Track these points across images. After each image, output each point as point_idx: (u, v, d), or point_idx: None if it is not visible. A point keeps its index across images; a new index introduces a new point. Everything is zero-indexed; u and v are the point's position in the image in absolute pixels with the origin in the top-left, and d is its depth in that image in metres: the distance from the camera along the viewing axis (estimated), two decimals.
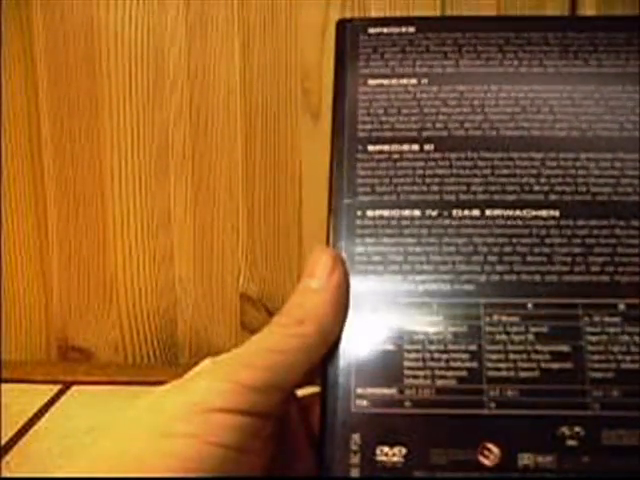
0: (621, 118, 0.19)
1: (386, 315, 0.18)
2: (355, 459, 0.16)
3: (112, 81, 0.41)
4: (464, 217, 0.18)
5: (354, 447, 0.17)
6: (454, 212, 0.18)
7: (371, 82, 0.20)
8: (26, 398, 0.39)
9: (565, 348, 0.17)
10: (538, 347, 0.17)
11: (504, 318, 0.17)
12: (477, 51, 0.20)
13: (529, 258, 0.18)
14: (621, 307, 0.17)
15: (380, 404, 0.17)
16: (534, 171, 0.19)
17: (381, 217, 0.19)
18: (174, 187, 0.42)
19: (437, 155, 0.19)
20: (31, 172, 0.43)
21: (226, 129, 0.42)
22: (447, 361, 0.17)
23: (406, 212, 0.19)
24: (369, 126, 0.20)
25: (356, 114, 0.20)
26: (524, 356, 0.17)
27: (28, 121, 0.42)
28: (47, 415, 0.37)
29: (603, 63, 0.20)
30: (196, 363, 0.17)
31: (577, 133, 0.19)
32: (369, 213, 0.19)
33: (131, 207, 0.43)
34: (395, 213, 0.19)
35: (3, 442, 0.34)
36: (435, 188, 0.19)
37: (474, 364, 0.17)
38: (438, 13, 0.39)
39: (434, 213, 0.19)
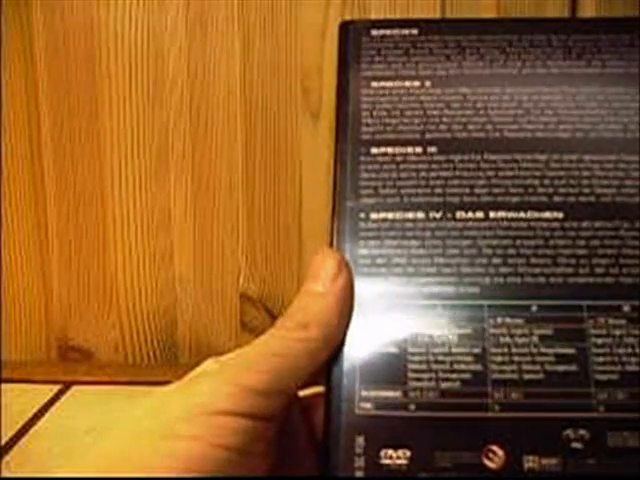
0: (625, 119, 0.19)
1: (390, 318, 0.18)
2: (360, 462, 0.16)
3: (112, 81, 0.41)
4: (468, 219, 0.18)
5: (358, 450, 0.16)
6: (458, 214, 0.18)
7: (374, 84, 0.20)
8: (26, 398, 0.39)
9: (570, 350, 0.17)
10: (542, 349, 0.17)
11: (508, 320, 0.17)
12: (480, 53, 0.20)
13: (533, 260, 0.18)
14: (626, 309, 0.17)
15: (384, 407, 0.17)
16: (538, 173, 0.19)
17: (385, 219, 0.19)
18: (174, 187, 0.42)
19: (440, 157, 0.19)
20: (31, 172, 0.42)
21: (226, 129, 0.42)
22: (451, 364, 0.17)
23: (410, 214, 0.19)
24: (372, 128, 0.20)
25: (359, 116, 0.20)
26: (528, 358, 0.17)
27: (28, 121, 0.42)
28: (47, 415, 0.37)
29: (606, 64, 0.20)
30: (196, 363, 0.17)
31: (581, 135, 0.19)
32: (373, 216, 0.19)
33: (131, 207, 0.42)
34: (399, 215, 0.19)
35: (3, 442, 0.34)
36: (439, 190, 0.19)
37: (478, 367, 0.17)
38: (438, 14, 0.38)
39: (438, 215, 0.18)
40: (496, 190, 0.19)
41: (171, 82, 0.41)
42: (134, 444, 0.14)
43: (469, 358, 0.17)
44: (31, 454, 0.33)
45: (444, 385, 0.17)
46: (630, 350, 0.17)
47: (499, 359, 0.17)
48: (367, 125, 0.20)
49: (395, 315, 0.18)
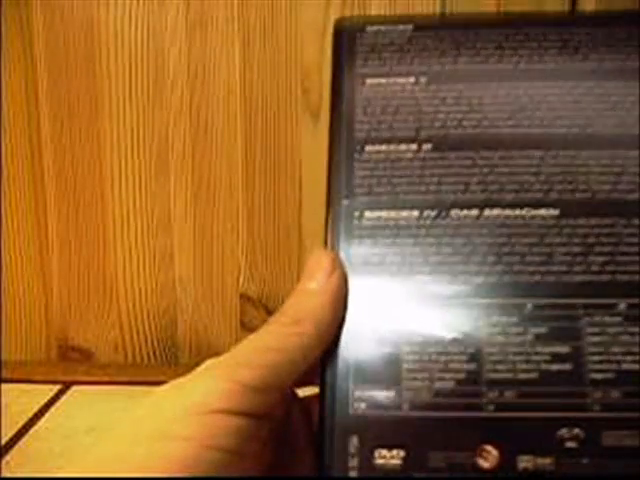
0: (622, 114, 0.19)
1: (384, 317, 0.18)
2: (353, 462, 0.16)
3: (112, 81, 0.41)
4: (462, 217, 0.18)
5: (352, 450, 0.16)
6: (452, 212, 0.18)
7: (369, 81, 0.20)
8: (26, 398, 0.39)
9: (565, 349, 0.17)
10: (537, 348, 0.17)
11: (503, 319, 0.17)
12: (476, 48, 0.20)
13: (528, 258, 0.18)
14: (622, 307, 0.17)
15: (378, 407, 0.17)
16: (533, 169, 0.19)
17: (379, 218, 0.18)
18: (174, 187, 0.42)
19: (435, 155, 0.19)
20: (31, 172, 0.43)
21: (226, 129, 0.42)
22: (446, 363, 0.17)
23: (404, 213, 0.18)
24: (367, 126, 0.19)
25: (354, 114, 0.20)
26: (523, 357, 0.17)
27: (28, 121, 0.42)
28: (47, 415, 0.37)
29: (603, 59, 0.20)
30: (196, 363, 0.17)
31: (577, 130, 0.19)
32: (367, 214, 0.19)
33: (131, 207, 0.43)
34: (393, 214, 0.18)
35: (3, 442, 0.34)
36: (433, 188, 0.19)
37: (473, 366, 0.17)
38: (438, 11, 0.38)
39: (432, 214, 0.18)
40: (491, 187, 0.18)
41: (171, 82, 0.41)
42: (130, 446, 0.14)
43: (463, 357, 0.17)
44: (31, 454, 0.33)
45: (438, 385, 0.17)
46: (626, 349, 0.17)
47: (493, 358, 0.17)
48: (361, 123, 0.20)
49: (389, 314, 0.18)
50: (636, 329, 0.17)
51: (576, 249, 0.18)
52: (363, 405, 0.17)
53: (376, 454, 0.16)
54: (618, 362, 0.17)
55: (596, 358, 0.17)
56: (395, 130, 0.19)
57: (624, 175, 0.18)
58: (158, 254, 0.43)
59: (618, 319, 0.17)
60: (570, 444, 0.16)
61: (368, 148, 0.19)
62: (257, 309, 0.43)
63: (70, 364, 0.43)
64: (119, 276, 0.43)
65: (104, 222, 0.43)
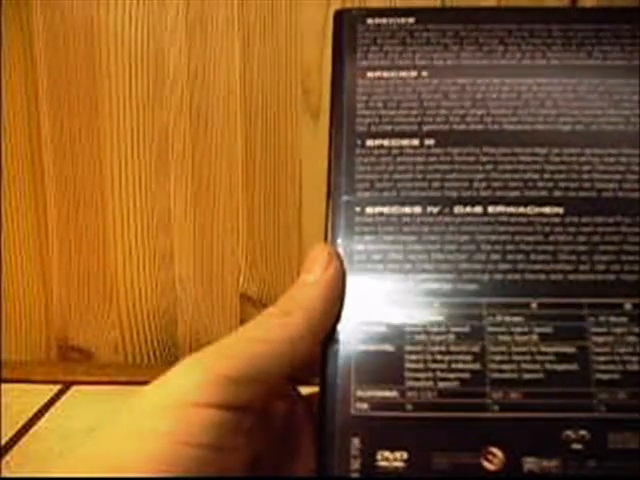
0: (626, 112, 0.19)
1: (386, 315, 0.17)
2: (355, 464, 0.16)
3: (112, 81, 0.41)
4: (466, 214, 0.18)
5: (354, 452, 0.16)
6: (456, 209, 0.18)
7: (370, 75, 0.20)
8: (26, 398, 0.39)
9: (570, 349, 0.17)
10: (542, 348, 0.17)
11: (507, 318, 0.17)
12: (479, 43, 0.20)
13: (533, 256, 0.18)
14: (627, 307, 0.17)
15: (380, 407, 0.16)
16: (537, 167, 0.18)
17: (381, 214, 0.18)
18: (174, 187, 0.42)
19: (438, 150, 0.19)
20: (31, 172, 0.42)
21: (226, 129, 0.41)
22: (449, 363, 0.17)
23: (406, 209, 0.18)
24: (368, 120, 0.19)
25: (354, 108, 0.19)
26: (528, 357, 0.17)
27: (28, 121, 0.42)
28: (47, 415, 0.37)
29: (608, 55, 0.19)
30: None
31: (581, 127, 0.19)
32: (368, 210, 0.18)
33: (131, 207, 0.42)
34: (395, 210, 0.18)
35: (3, 442, 0.34)
36: (436, 184, 0.18)
37: (477, 366, 0.17)
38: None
39: (435, 210, 0.18)
40: (495, 184, 0.18)
41: (171, 82, 0.41)
42: (111, 445, 0.14)
43: (467, 357, 0.17)
44: (31, 454, 0.33)
45: (442, 385, 0.17)
46: (631, 349, 0.16)
47: (498, 358, 0.17)
48: (362, 117, 0.19)
49: (391, 312, 0.17)
50: None
51: (581, 248, 0.18)
52: (365, 405, 0.17)
53: (378, 456, 0.16)
54: (624, 362, 0.16)
55: (602, 358, 0.16)
56: (397, 125, 0.19)
57: (629, 173, 0.18)
58: (158, 254, 0.43)
59: (624, 319, 0.17)
60: (576, 446, 0.16)
61: (369, 143, 0.19)
62: (257, 309, 0.43)
63: (70, 364, 0.43)
64: (119, 276, 0.43)
65: (104, 222, 0.42)
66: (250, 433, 0.16)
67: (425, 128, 0.19)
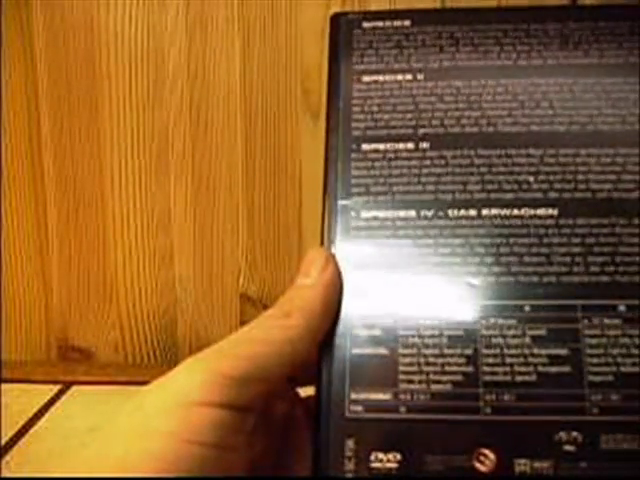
0: (623, 111, 0.19)
1: (380, 318, 0.17)
2: (350, 465, 0.16)
3: (112, 81, 0.41)
4: (460, 217, 0.18)
5: (348, 453, 0.16)
6: (450, 212, 0.18)
7: (365, 78, 0.20)
8: (26, 398, 0.39)
9: (563, 351, 0.17)
10: (535, 350, 0.17)
11: (500, 321, 0.17)
12: (474, 44, 0.20)
13: (527, 259, 0.18)
14: (621, 308, 0.17)
15: (375, 409, 0.17)
16: (532, 168, 0.18)
17: (376, 218, 0.18)
18: (174, 187, 0.42)
19: (433, 153, 0.19)
20: (31, 172, 0.43)
21: (226, 129, 0.41)
22: (442, 365, 0.17)
23: (401, 213, 0.18)
24: (363, 124, 0.19)
25: (350, 112, 0.19)
26: (521, 360, 0.17)
27: (28, 121, 0.42)
28: (47, 415, 0.37)
29: (604, 54, 0.19)
30: None
31: (577, 128, 0.19)
32: (364, 214, 0.18)
33: (131, 207, 0.42)
34: (390, 214, 0.18)
35: (3, 442, 0.34)
36: (431, 187, 0.18)
37: (470, 368, 0.17)
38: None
39: (430, 213, 0.18)
40: (489, 187, 0.18)
41: (171, 82, 0.41)
42: (114, 445, 0.14)
43: (461, 360, 0.17)
44: (31, 454, 0.33)
45: (435, 387, 0.17)
46: (625, 351, 0.16)
47: (491, 361, 0.17)
48: (358, 121, 0.19)
49: (385, 316, 0.17)
50: (636, 331, 0.17)
51: (575, 249, 0.17)
52: (359, 407, 0.17)
53: (372, 457, 0.16)
54: (617, 364, 0.16)
55: (595, 360, 0.16)
56: (392, 128, 0.19)
57: (625, 174, 0.18)
58: (158, 254, 0.43)
59: (617, 321, 0.17)
60: (568, 447, 0.16)
61: (365, 147, 0.19)
62: (257, 309, 0.43)
63: (70, 364, 0.43)
64: (119, 276, 0.43)
65: (104, 222, 0.43)
66: (251, 433, 0.16)
67: (420, 131, 0.19)
